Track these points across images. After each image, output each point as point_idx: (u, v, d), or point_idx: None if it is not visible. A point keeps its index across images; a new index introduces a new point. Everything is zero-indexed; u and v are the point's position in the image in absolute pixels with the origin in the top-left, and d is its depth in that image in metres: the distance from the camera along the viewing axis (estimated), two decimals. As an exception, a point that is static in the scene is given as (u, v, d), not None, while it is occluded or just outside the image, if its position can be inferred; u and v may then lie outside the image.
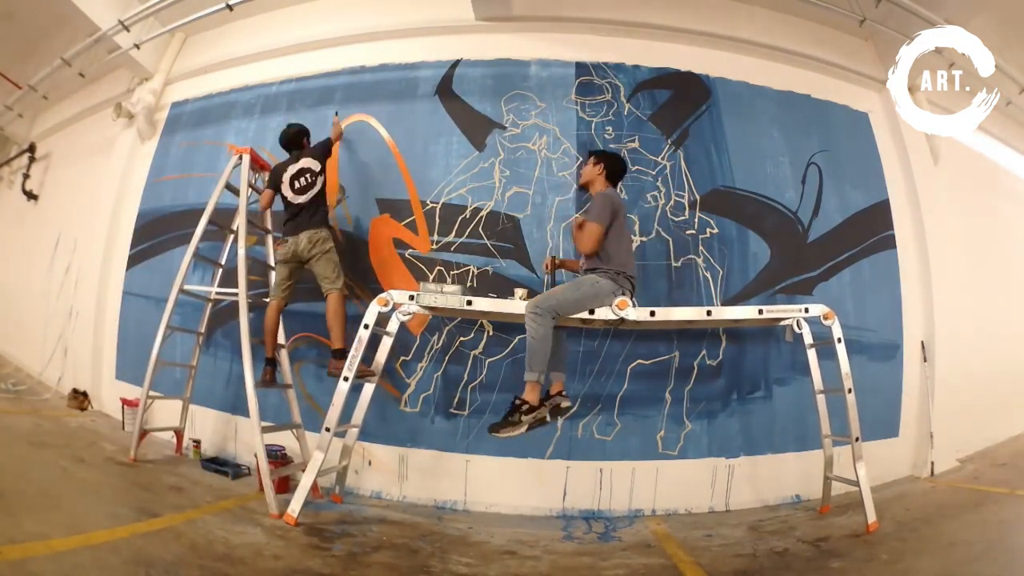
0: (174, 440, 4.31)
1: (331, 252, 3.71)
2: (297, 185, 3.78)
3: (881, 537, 3.12)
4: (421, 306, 3.30)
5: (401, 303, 3.31)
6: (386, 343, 3.45)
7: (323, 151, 3.94)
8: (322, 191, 3.84)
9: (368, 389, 3.49)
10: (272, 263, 4.14)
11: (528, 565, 2.86)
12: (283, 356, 3.96)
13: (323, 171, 3.86)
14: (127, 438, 4.32)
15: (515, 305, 3.22)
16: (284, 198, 3.81)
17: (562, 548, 3.16)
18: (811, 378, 3.55)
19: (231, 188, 4.03)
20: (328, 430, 3.18)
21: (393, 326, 3.38)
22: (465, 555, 2.92)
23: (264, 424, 3.46)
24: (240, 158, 4.03)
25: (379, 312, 3.26)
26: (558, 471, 3.86)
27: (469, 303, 3.25)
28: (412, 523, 3.42)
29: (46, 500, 2.82)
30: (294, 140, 3.95)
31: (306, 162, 3.82)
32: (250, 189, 4.04)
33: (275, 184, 3.85)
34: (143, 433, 3.99)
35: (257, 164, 4.18)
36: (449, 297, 3.26)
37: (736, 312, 3.62)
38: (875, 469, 3.63)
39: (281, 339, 3.95)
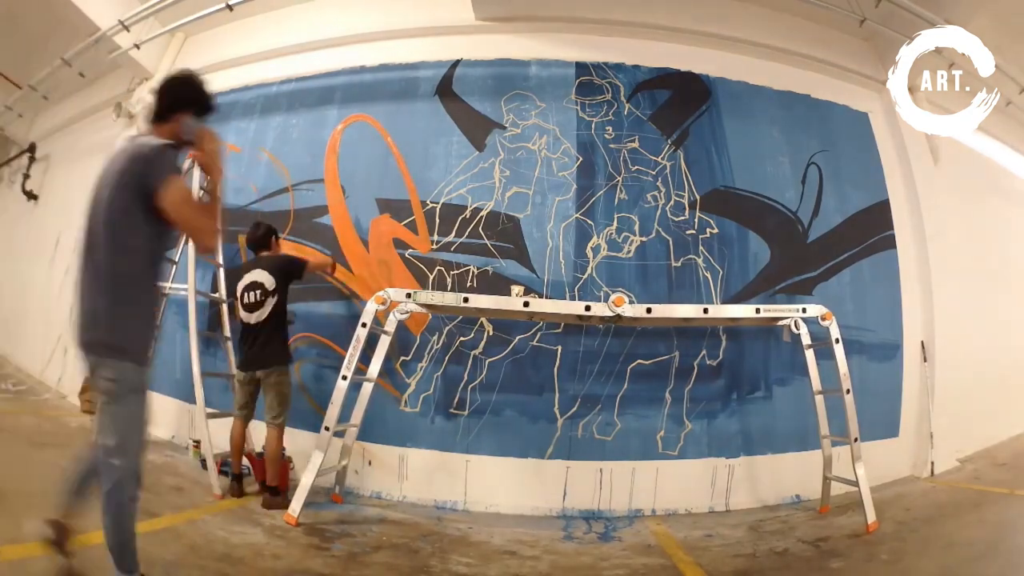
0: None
1: (283, 386, 3.45)
2: (247, 300, 3.43)
3: (881, 537, 3.12)
4: (418, 304, 3.30)
5: (399, 301, 3.31)
6: (384, 342, 3.45)
7: (285, 269, 3.47)
8: (275, 318, 3.41)
9: (367, 388, 3.49)
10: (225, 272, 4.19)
11: (528, 565, 2.86)
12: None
13: (279, 292, 3.40)
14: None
15: (512, 302, 3.23)
16: (239, 311, 3.49)
17: (562, 548, 3.16)
18: (809, 379, 3.55)
19: None
20: (327, 429, 3.19)
21: (391, 325, 3.38)
22: (465, 555, 2.92)
23: (209, 410, 3.63)
24: (192, 162, 4.05)
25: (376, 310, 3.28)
26: (558, 471, 3.85)
27: (466, 300, 3.27)
28: (412, 523, 3.41)
29: (46, 500, 2.81)
30: (261, 241, 3.59)
31: (258, 275, 3.43)
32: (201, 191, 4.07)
33: (231, 290, 3.45)
34: None
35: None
36: (446, 295, 3.29)
37: (733, 311, 3.63)
38: (875, 469, 3.63)
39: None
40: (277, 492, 3.35)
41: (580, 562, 2.95)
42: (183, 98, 2.05)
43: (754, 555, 3.01)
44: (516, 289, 3.40)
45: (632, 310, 3.28)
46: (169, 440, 4.47)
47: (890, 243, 4.61)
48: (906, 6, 4.08)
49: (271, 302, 3.42)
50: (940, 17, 4.03)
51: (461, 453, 3.89)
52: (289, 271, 3.53)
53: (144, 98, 5.38)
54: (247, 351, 3.48)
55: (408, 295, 3.31)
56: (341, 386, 3.22)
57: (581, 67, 4.47)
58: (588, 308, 3.31)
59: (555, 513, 3.80)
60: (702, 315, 3.42)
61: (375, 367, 3.41)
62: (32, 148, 7.42)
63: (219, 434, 3.63)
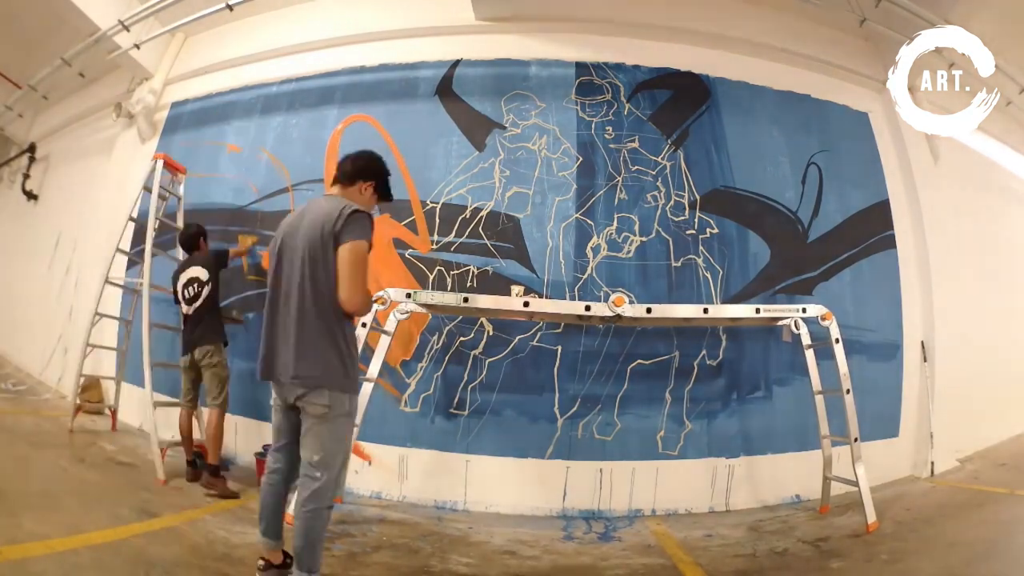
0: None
1: (219, 367, 3.72)
2: (187, 295, 3.80)
3: (881, 537, 3.13)
4: (418, 304, 3.30)
5: (399, 301, 3.31)
6: (384, 342, 3.45)
7: (215, 261, 3.93)
8: (209, 303, 3.80)
9: (367, 388, 3.49)
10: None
11: (528, 565, 2.86)
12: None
13: (212, 281, 3.82)
14: (127, 438, 4.35)
15: (512, 302, 3.23)
16: (181, 307, 3.86)
17: (562, 548, 3.16)
18: (809, 379, 3.55)
19: (148, 190, 4.36)
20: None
21: (391, 325, 3.37)
22: (465, 555, 2.92)
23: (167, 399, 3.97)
24: (155, 163, 4.38)
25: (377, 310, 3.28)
26: (558, 471, 3.85)
27: (466, 300, 3.27)
28: (412, 523, 3.42)
29: (46, 500, 2.82)
30: (191, 242, 4.01)
31: (194, 271, 3.83)
32: (167, 192, 4.51)
33: (174, 288, 3.89)
34: (77, 408, 4.38)
35: (171, 168, 4.55)
36: (446, 295, 3.30)
37: (733, 310, 3.62)
38: (875, 469, 3.64)
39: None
40: (217, 472, 3.52)
41: (580, 562, 2.95)
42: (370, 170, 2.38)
43: (754, 555, 3.01)
44: (516, 289, 3.40)
45: (632, 310, 3.29)
46: (169, 440, 4.46)
47: (890, 243, 4.61)
48: (906, 6, 4.08)
49: (206, 290, 3.79)
50: (940, 17, 4.03)
51: (461, 453, 3.89)
52: (217, 260, 3.97)
53: (144, 98, 5.38)
54: (186, 336, 3.80)
55: (408, 295, 3.31)
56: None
57: (581, 67, 4.47)
58: (588, 308, 3.31)
59: (555, 513, 3.80)
60: (702, 315, 3.42)
61: (375, 367, 3.41)
62: (32, 148, 7.42)
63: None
